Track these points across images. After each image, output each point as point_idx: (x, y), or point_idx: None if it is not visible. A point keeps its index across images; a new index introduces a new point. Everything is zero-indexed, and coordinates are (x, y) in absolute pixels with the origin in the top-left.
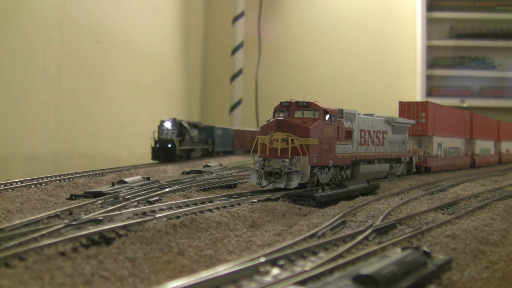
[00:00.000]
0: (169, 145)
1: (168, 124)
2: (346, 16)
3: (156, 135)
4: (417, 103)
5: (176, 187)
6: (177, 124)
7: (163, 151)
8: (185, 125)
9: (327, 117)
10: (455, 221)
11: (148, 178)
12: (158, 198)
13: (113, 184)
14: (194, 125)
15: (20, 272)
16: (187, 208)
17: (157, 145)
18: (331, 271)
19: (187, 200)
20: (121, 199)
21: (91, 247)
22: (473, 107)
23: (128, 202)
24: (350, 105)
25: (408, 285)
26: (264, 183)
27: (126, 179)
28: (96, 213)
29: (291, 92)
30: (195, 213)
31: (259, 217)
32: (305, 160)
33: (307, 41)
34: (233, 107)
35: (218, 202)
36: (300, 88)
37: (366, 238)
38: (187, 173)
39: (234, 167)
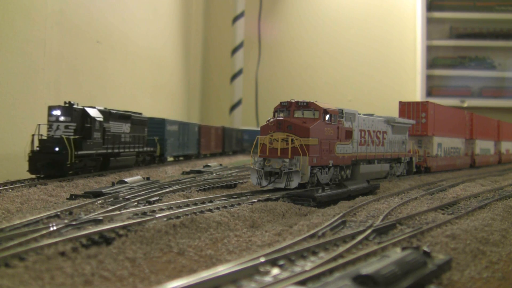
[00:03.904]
0: (56, 149)
1: (58, 113)
2: (346, 17)
3: (42, 131)
4: (417, 103)
5: (176, 187)
6: (76, 112)
7: (46, 158)
8: (94, 114)
9: (327, 117)
10: (455, 221)
11: (148, 178)
12: (158, 198)
13: (113, 184)
14: (121, 116)
15: (20, 272)
16: (187, 208)
17: (37, 149)
18: (331, 271)
19: (187, 200)
20: (121, 199)
21: (91, 247)
22: (473, 107)
23: (128, 202)
24: (350, 105)
25: (408, 285)
26: (264, 183)
27: (126, 179)
28: (96, 213)
29: (291, 92)
30: (195, 213)
31: (259, 217)
32: (305, 160)
33: (307, 41)
34: (233, 107)
35: (218, 202)
36: (300, 88)
37: (366, 238)
38: (187, 173)
39: (234, 167)
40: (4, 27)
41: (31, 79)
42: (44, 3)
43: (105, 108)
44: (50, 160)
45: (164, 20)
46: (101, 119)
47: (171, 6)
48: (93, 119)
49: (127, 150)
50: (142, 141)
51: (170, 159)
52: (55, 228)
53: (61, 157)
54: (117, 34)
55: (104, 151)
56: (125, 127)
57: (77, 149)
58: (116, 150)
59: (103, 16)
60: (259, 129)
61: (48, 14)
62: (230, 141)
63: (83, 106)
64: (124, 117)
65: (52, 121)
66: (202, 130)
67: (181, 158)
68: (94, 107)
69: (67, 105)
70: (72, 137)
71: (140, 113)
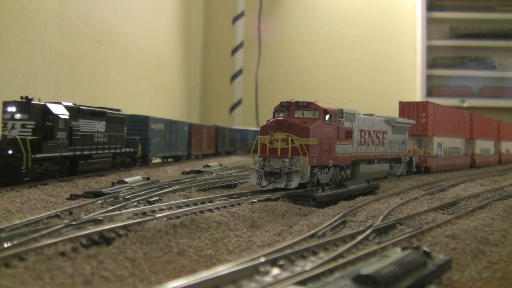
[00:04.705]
0: (10, 151)
1: (13, 109)
2: (347, 16)
3: None
4: (417, 103)
5: (176, 187)
6: (35, 109)
7: None
8: (57, 111)
9: (327, 117)
10: (455, 221)
11: (148, 178)
12: (158, 198)
13: (113, 184)
14: (93, 113)
15: (20, 272)
16: (187, 208)
17: None
18: (331, 271)
19: (187, 200)
20: (121, 199)
21: (91, 247)
22: (473, 107)
23: (128, 202)
24: (350, 105)
25: (408, 285)
26: (264, 183)
27: (126, 179)
28: (96, 213)
29: (291, 92)
30: (195, 213)
31: (259, 217)
32: (305, 160)
33: (307, 41)
34: (233, 107)
35: (218, 202)
36: (300, 88)
37: (366, 238)
38: (187, 173)
39: (234, 167)
40: (4, 27)
41: (31, 79)
42: (44, 3)
43: (74, 104)
44: (3, 165)
45: (164, 20)
46: (67, 117)
47: (171, 6)
48: (56, 116)
49: (100, 151)
50: (120, 141)
51: (156, 160)
52: (55, 228)
53: (15, 161)
54: (117, 34)
55: (71, 153)
56: (99, 126)
57: (36, 151)
58: (86, 152)
59: (103, 16)
60: (249, 128)
61: (48, 14)
62: (224, 141)
63: (48, 103)
64: (97, 114)
65: (6, 119)
66: (193, 129)
67: (170, 160)
68: (60, 103)
69: (24, 100)
70: (29, 137)
71: (118, 110)
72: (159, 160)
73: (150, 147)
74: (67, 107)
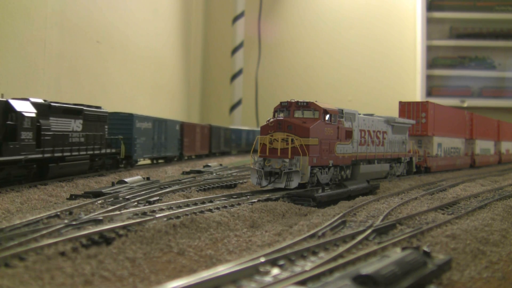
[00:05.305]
0: None
1: None
2: (346, 17)
3: None
4: (417, 103)
5: (176, 187)
6: None
7: None
8: (21, 108)
9: (327, 117)
10: (455, 221)
11: (148, 178)
12: (158, 198)
13: (113, 184)
14: (67, 110)
15: (20, 272)
16: (187, 208)
17: None
18: (331, 271)
19: (187, 200)
20: (121, 199)
21: (91, 247)
22: (473, 107)
23: (128, 202)
24: (350, 105)
25: (408, 285)
26: (264, 183)
27: (126, 179)
28: (96, 213)
29: (291, 92)
30: (195, 213)
31: (259, 217)
32: (305, 160)
33: (307, 41)
34: (233, 107)
35: (218, 202)
36: (300, 88)
37: (366, 238)
38: (187, 173)
39: (234, 167)
40: (4, 27)
41: (31, 79)
42: (44, 3)
43: (45, 101)
44: None
45: (164, 20)
46: (33, 115)
47: (171, 6)
48: (19, 114)
49: (76, 153)
50: (100, 141)
51: (143, 162)
52: (55, 228)
53: None
54: (117, 34)
55: (39, 155)
56: (75, 125)
57: None
58: (58, 154)
59: (103, 16)
60: (243, 128)
61: (48, 14)
62: (218, 141)
63: (11, 98)
64: (72, 111)
65: None
66: (185, 129)
67: (160, 161)
68: (27, 99)
69: None
70: None
71: (98, 107)
72: (147, 162)
73: (136, 147)
74: (34, 104)
